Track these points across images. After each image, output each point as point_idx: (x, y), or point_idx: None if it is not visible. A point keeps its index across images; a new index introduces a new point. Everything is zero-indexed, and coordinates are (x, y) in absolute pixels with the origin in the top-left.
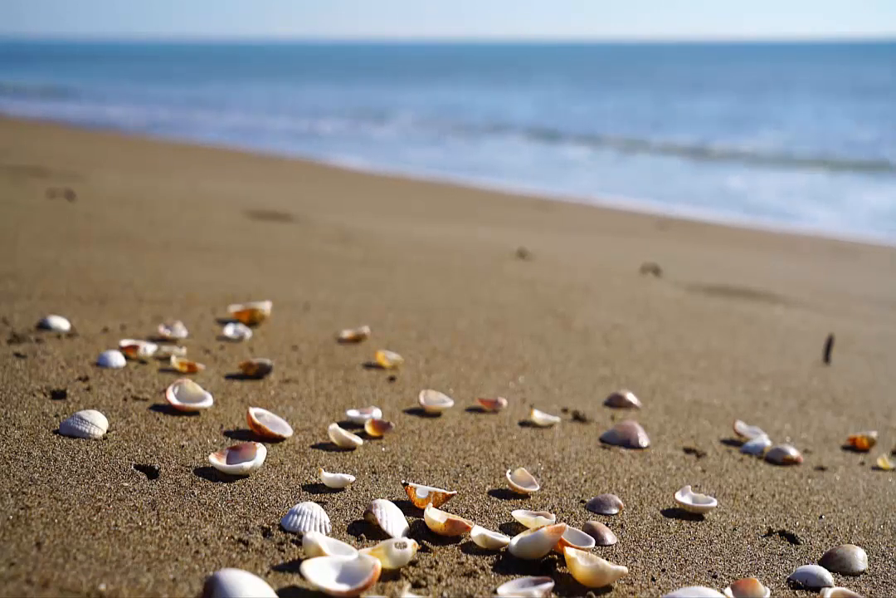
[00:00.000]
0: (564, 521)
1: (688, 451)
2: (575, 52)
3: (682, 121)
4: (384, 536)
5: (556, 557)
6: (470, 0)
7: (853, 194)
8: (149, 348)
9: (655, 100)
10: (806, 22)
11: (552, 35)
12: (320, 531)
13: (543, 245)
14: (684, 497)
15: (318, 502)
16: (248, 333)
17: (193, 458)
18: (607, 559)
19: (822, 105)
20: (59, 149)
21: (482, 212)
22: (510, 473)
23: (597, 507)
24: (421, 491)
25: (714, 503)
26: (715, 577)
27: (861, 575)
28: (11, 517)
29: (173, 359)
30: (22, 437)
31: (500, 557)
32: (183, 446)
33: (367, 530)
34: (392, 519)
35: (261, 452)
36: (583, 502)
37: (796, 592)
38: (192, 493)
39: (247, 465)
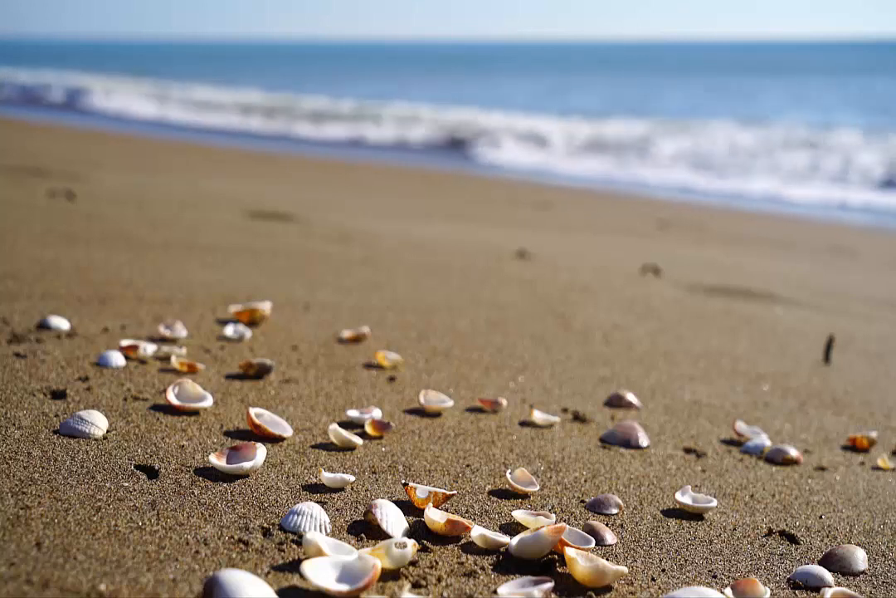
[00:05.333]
0: (564, 521)
1: (688, 451)
2: (563, 52)
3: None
4: (384, 536)
5: (556, 557)
6: (465, 2)
7: None
8: (149, 348)
9: None
10: (805, 22)
11: (543, 35)
12: (320, 531)
13: (543, 245)
14: (684, 497)
15: (318, 502)
16: (248, 333)
17: (193, 458)
18: (607, 559)
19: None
20: (59, 149)
21: (482, 212)
22: (510, 473)
23: (597, 507)
24: (421, 491)
25: (714, 503)
26: (715, 577)
27: (861, 575)
28: (11, 517)
29: (173, 359)
30: (22, 437)
31: (500, 557)
32: (183, 446)
33: (367, 530)
34: (392, 519)
35: (261, 452)
36: (583, 502)
37: (796, 592)
38: (192, 493)
39: (247, 465)
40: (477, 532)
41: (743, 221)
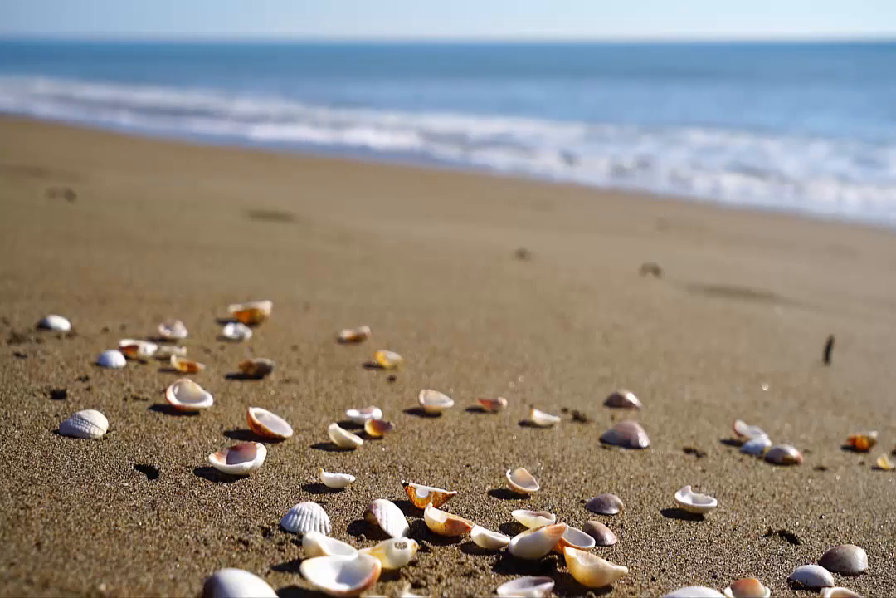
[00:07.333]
0: (564, 521)
1: (688, 451)
2: (560, 52)
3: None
4: (384, 536)
5: (556, 557)
6: (465, 2)
7: None
8: (149, 348)
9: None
10: (805, 22)
11: (543, 35)
12: (320, 531)
13: (543, 245)
14: (684, 497)
15: (318, 502)
16: (248, 333)
17: (193, 458)
18: (607, 559)
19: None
20: (59, 149)
21: (482, 212)
22: (510, 473)
23: (597, 507)
24: (421, 491)
25: (714, 503)
26: (715, 577)
27: (861, 575)
28: (11, 517)
29: (173, 359)
30: (22, 437)
31: (500, 557)
32: (183, 446)
33: (367, 530)
34: (392, 519)
35: (261, 452)
36: (583, 502)
37: (796, 592)
38: (192, 493)
39: (247, 465)
40: (477, 532)
41: (743, 221)
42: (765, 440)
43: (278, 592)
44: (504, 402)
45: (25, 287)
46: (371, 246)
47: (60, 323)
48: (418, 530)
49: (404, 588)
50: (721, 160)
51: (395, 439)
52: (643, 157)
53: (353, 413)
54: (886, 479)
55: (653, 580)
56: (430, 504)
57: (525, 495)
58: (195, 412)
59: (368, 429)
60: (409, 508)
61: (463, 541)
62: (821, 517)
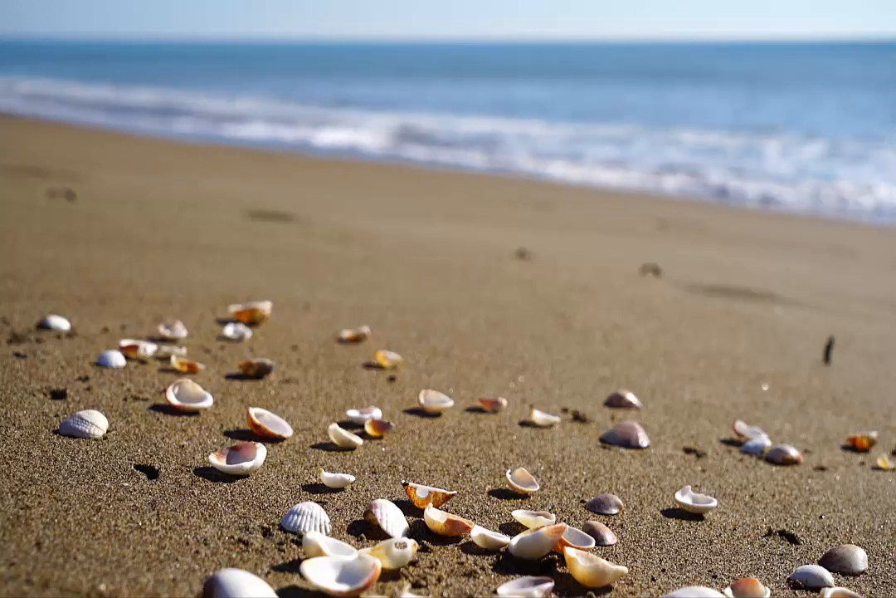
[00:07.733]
0: (564, 521)
1: (688, 451)
2: (562, 52)
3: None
4: (384, 536)
5: (556, 557)
6: (465, 2)
7: None
8: (149, 348)
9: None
10: (805, 22)
11: (543, 35)
12: (320, 531)
13: (543, 245)
14: (684, 497)
15: (318, 502)
16: (248, 333)
17: (193, 458)
18: (607, 559)
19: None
20: (59, 149)
21: (482, 212)
22: (510, 473)
23: (597, 507)
24: (421, 491)
25: (714, 503)
26: (715, 577)
27: (861, 575)
28: (11, 517)
29: (173, 359)
30: (22, 437)
31: (500, 557)
32: (183, 446)
33: (367, 530)
34: (392, 519)
35: (261, 452)
36: (583, 502)
37: (796, 592)
38: (192, 493)
39: (247, 465)
40: (477, 532)
41: (743, 220)
42: (765, 440)
43: (278, 592)
44: (504, 402)
45: (25, 287)
46: (371, 246)
47: (60, 323)
48: (418, 530)
49: (404, 588)
50: (721, 160)
51: (395, 439)
52: (643, 157)
53: (353, 413)
54: (886, 479)
55: (653, 580)
56: (430, 504)
57: (525, 495)
58: (195, 412)
59: (368, 429)
60: (409, 508)
61: (463, 541)
62: (821, 517)
